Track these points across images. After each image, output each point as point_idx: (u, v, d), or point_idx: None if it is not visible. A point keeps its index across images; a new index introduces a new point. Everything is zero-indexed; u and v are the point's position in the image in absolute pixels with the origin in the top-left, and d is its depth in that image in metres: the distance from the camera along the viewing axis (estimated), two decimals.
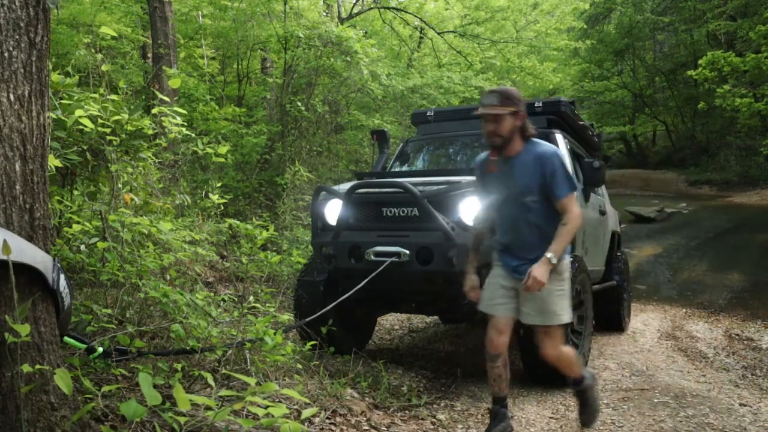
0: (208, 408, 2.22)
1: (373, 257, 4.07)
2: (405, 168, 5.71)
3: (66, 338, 2.36)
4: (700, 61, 15.28)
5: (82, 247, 3.28)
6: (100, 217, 3.43)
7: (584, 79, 24.93)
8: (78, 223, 3.32)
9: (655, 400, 4.04)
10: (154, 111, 3.84)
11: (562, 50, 18.90)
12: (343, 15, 14.15)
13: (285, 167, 8.90)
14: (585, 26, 21.01)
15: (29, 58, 2.01)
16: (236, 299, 4.47)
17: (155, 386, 2.09)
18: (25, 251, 1.94)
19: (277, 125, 9.96)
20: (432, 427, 3.38)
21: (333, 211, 4.41)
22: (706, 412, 3.83)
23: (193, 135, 4.69)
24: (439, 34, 14.34)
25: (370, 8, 14.76)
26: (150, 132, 3.50)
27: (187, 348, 2.85)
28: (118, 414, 2.34)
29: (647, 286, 9.55)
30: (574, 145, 5.68)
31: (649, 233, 13.38)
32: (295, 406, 3.02)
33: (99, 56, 4.79)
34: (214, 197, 4.81)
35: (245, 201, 9.09)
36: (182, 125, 3.96)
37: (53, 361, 2.08)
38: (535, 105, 5.37)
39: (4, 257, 1.82)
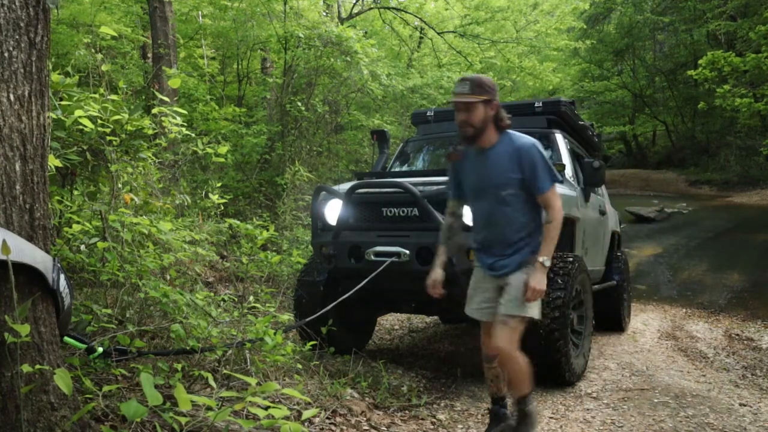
0: (208, 408, 2.22)
1: (373, 257, 4.07)
2: (405, 168, 5.71)
3: (66, 338, 2.36)
4: (700, 61, 15.28)
5: (82, 247, 3.28)
6: (100, 217, 3.43)
7: (584, 79, 24.92)
8: (78, 223, 3.32)
9: (655, 400, 4.04)
10: (154, 111, 3.84)
11: (562, 50, 18.92)
12: (343, 15, 14.15)
13: (285, 167, 8.90)
14: (585, 26, 21.02)
15: (29, 58, 2.01)
16: (236, 299, 4.47)
17: (155, 386, 2.09)
18: (25, 251, 1.94)
19: (277, 125, 9.96)
20: (432, 427, 3.38)
21: (333, 211, 4.41)
22: (706, 412, 3.83)
23: (193, 135, 4.69)
24: (439, 34, 14.34)
25: (370, 8, 14.76)
26: (150, 132, 3.50)
27: (187, 348, 2.85)
28: (118, 414, 2.34)
29: (647, 286, 9.55)
30: (574, 145, 5.69)
31: (649, 233, 13.38)
32: (296, 407, 3.02)
33: (99, 56, 4.79)
34: (214, 197, 4.81)
35: (245, 201, 9.09)
36: (182, 125, 3.95)
37: (53, 361, 2.08)
38: (535, 105, 5.37)
39: (4, 257, 1.82)
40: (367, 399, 3.58)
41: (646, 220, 14.75)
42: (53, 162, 2.82)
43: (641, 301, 8.60)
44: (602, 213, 5.97)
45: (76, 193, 3.45)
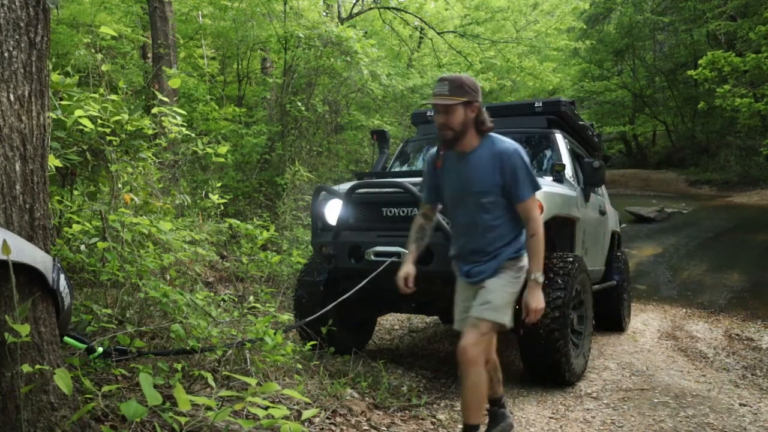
0: (208, 408, 2.22)
1: (373, 257, 4.07)
2: (405, 168, 5.71)
3: (66, 338, 2.36)
4: (700, 61, 15.28)
5: (82, 247, 3.28)
6: (100, 217, 3.43)
7: (584, 79, 24.93)
8: (78, 223, 3.32)
9: (655, 400, 4.04)
10: (154, 111, 3.84)
11: (562, 50, 18.91)
12: (343, 15, 14.15)
13: (285, 167, 8.91)
14: (585, 26, 21.02)
15: (29, 58, 2.01)
16: (236, 299, 4.47)
17: (155, 386, 2.09)
18: (25, 251, 1.94)
19: (277, 125, 9.96)
20: (432, 427, 3.38)
21: (333, 211, 4.41)
22: (706, 412, 3.83)
23: (193, 135, 4.69)
24: (439, 34, 14.34)
25: (370, 8, 14.76)
26: (150, 132, 3.50)
27: (187, 348, 2.85)
28: (118, 414, 2.34)
29: (647, 286, 9.55)
30: (574, 145, 5.69)
31: (649, 233, 13.39)
32: (296, 407, 3.02)
33: (99, 56, 4.79)
34: (214, 197, 4.81)
35: (245, 201, 9.10)
36: (182, 125, 3.96)
37: (53, 361, 2.08)
38: (535, 105, 5.37)
39: (4, 257, 1.82)
40: (367, 399, 3.58)
41: (646, 220, 14.75)
42: (53, 162, 2.82)
43: (641, 301, 8.60)
44: (602, 213, 5.97)
45: (76, 193, 3.45)
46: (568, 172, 5.01)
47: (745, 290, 8.83)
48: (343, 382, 3.64)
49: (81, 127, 3.02)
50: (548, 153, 5.22)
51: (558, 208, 4.32)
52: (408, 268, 2.99)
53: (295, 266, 5.85)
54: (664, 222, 14.69)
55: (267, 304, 3.97)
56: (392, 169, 5.66)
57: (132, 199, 3.63)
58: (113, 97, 3.33)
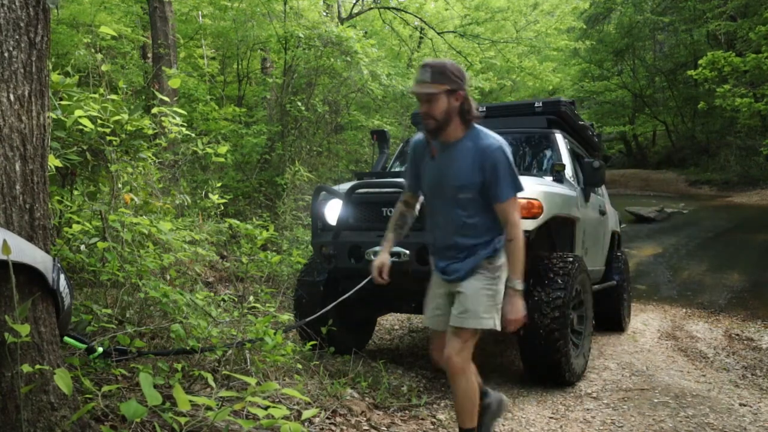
0: (208, 408, 2.22)
1: (373, 257, 4.06)
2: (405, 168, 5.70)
3: (66, 338, 2.36)
4: (700, 61, 15.29)
5: (82, 247, 3.28)
6: (100, 217, 3.43)
7: (584, 79, 24.94)
8: (78, 223, 3.32)
9: (655, 400, 4.04)
10: (154, 111, 3.84)
11: (562, 50, 18.93)
12: (343, 15, 14.15)
13: (285, 167, 8.90)
14: (585, 26, 21.04)
15: (29, 58, 2.01)
16: (236, 299, 4.47)
17: (155, 386, 2.09)
18: (25, 251, 1.94)
19: (277, 125, 9.96)
20: (432, 427, 3.38)
21: (333, 211, 4.41)
22: (706, 412, 3.83)
23: (193, 135, 4.69)
24: (439, 34, 14.34)
25: (370, 8, 14.76)
26: (150, 132, 3.50)
27: (187, 348, 2.85)
28: (118, 414, 2.34)
29: (647, 286, 9.55)
30: (574, 145, 5.69)
31: (649, 233, 13.39)
32: (296, 407, 3.02)
33: (99, 56, 4.79)
34: (214, 197, 4.81)
35: (245, 201, 9.10)
36: (182, 125, 3.96)
37: (53, 361, 2.08)
38: (535, 105, 5.37)
39: (4, 257, 1.82)
40: (367, 399, 3.58)
41: (646, 220, 14.75)
42: (53, 162, 2.82)
43: (641, 301, 8.60)
44: (602, 213, 5.97)
45: (76, 193, 3.45)
46: (568, 172, 5.01)
47: (745, 290, 8.83)
48: (343, 382, 3.64)
49: (81, 127, 3.02)
50: (548, 153, 5.22)
51: (558, 208, 4.32)
52: (383, 258, 2.85)
53: (295, 266, 5.85)
54: (664, 222, 14.69)
55: (267, 304, 3.97)
56: (392, 169, 5.66)
57: (132, 199, 3.63)
58: (113, 97, 3.33)
